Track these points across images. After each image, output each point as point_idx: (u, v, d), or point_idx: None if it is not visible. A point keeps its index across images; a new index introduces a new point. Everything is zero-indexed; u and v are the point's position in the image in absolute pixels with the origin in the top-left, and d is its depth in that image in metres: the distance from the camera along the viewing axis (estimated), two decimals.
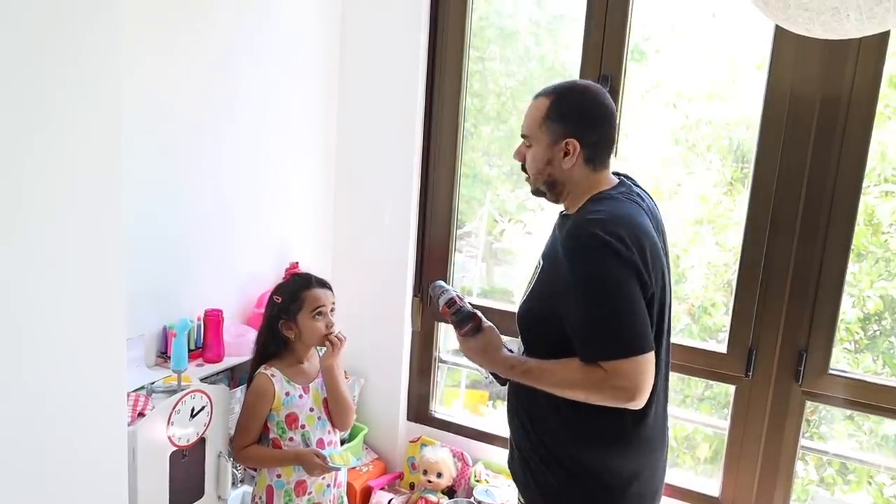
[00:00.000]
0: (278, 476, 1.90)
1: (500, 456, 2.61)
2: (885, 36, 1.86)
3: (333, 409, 1.91)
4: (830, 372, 2.06)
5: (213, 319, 2.07)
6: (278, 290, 1.93)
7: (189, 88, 2.05)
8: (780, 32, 1.99)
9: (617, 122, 1.48)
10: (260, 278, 2.38)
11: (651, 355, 1.35)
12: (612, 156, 1.50)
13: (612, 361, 1.33)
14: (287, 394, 1.88)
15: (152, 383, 1.82)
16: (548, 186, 1.51)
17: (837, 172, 1.98)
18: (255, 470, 1.98)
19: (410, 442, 2.72)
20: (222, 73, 2.15)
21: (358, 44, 2.59)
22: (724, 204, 2.89)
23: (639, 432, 1.46)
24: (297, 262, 1.92)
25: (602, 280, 1.34)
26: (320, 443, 1.91)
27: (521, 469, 1.59)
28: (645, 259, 1.36)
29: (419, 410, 2.78)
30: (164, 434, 1.68)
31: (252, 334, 2.19)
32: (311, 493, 1.91)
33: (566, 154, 1.45)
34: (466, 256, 3.49)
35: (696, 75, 2.80)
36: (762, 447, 2.17)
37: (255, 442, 1.90)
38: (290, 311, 1.87)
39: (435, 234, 2.63)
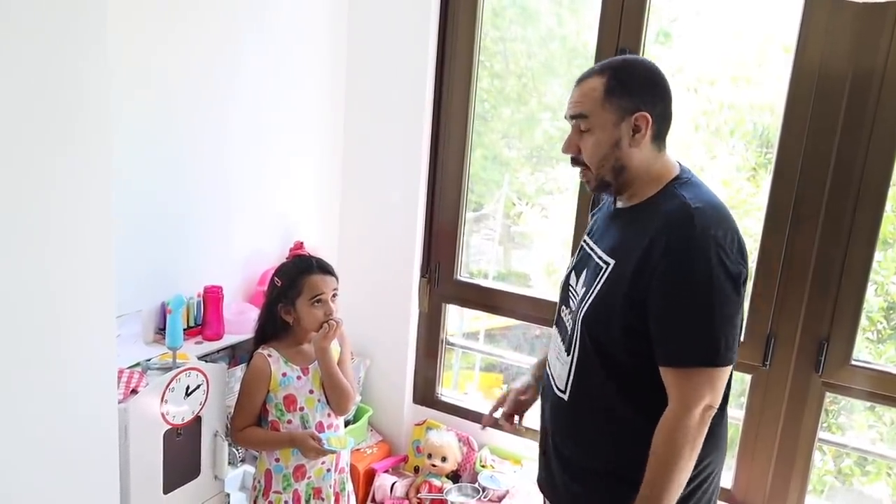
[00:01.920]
0: (277, 460, 1.85)
1: (507, 441, 2.56)
2: None
3: (329, 392, 1.85)
4: (853, 363, 1.97)
5: (212, 296, 2.02)
6: (279, 271, 1.87)
7: (191, 61, 1.99)
8: (809, 5, 1.88)
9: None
10: (263, 256, 2.33)
11: (730, 369, 1.29)
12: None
13: (705, 368, 1.24)
14: (284, 374, 1.83)
15: (148, 360, 1.78)
16: (614, 174, 1.33)
17: (867, 156, 1.87)
18: (258, 451, 1.94)
19: (416, 425, 2.67)
20: (226, 46, 2.09)
21: (367, 18, 2.50)
22: (746, 189, 2.80)
23: (718, 429, 1.38)
24: (301, 242, 1.84)
25: (710, 282, 1.22)
26: (319, 426, 1.85)
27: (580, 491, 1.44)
28: (744, 258, 1.28)
29: (425, 393, 2.72)
30: (157, 412, 1.63)
31: (253, 312, 2.14)
32: (310, 477, 1.87)
33: (636, 131, 1.29)
34: (483, 239, 3.42)
35: (721, 58, 2.69)
36: (778, 438, 2.09)
37: (253, 423, 1.85)
38: (289, 296, 1.81)
39: (444, 214, 2.56)
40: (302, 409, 1.84)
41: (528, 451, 2.50)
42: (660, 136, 1.34)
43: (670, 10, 2.46)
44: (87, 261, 1.33)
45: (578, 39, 2.89)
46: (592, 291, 1.36)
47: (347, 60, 2.55)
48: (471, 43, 2.40)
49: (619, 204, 1.42)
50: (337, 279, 1.86)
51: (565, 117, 1.38)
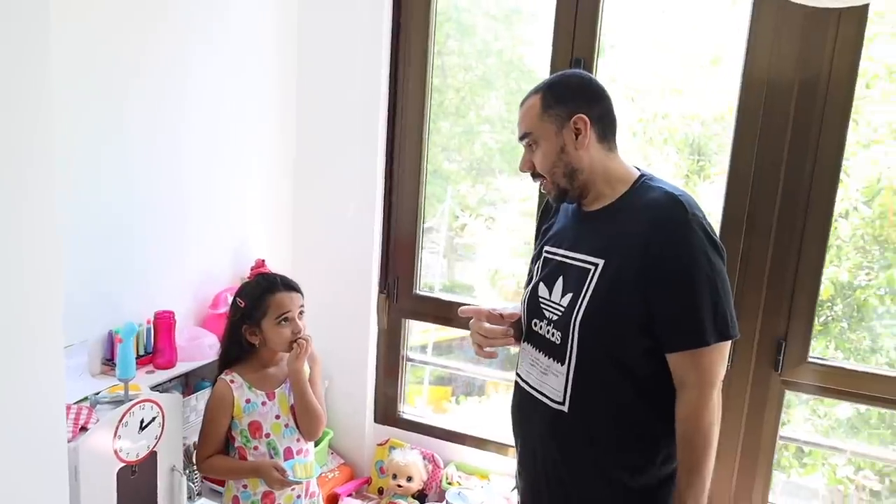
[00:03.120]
0: (244, 487, 1.76)
1: (473, 456, 2.52)
2: (863, 16, 1.83)
3: (299, 416, 1.77)
4: (809, 360, 2.03)
5: (163, 322, 1.91)
6: (242, 292, 1.78)
7: (140, 76, 1.90)
8: (756, 18, 1.93)
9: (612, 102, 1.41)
10: (215, 277, 2.23)
11: None
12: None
13: (721, 343, 1.28)
14: (248, 401, 1.74)
15: (97, 393, 1.66)
16: (568, 179, 1.38)
17: (816, 161, 1.93)
18: (223, 483, 1.84)
19: (378, 445, 2.60)
20: (176, 61, 2.00)
21: (318, 30, 2.45)
22: None
23: None
24: (263, 260, 1.76)
25: (709, 260, 1.27)
26: (288, 452, 1.77)
27: None
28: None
29: (387, 412, 2.66)
30: (109, 449, 1.52)
31: (208, 337, 2.05)
32: None
33: (578, 134, 1.35)
34: (428, 252, 3.40)
35: (657, 69, 2.77)
36: (742, 437, 2.13)
37: (218, 451, 1.75)
38: (254, 317, 1.72)
39: (401, 228, 2.52)
40: (268, 435, 1.75)
41: (496, 465, 2.47)
42: (606, 137, 1.39)
43: (614, 23, 2.50)
44: (34, 286, 1.23)
45: (514, 53, 2.92)
46: (584, 296, 1.34)
47: (298, 75, 2.49)
48: (424, 55, 2.38)
49: (588, 208, 1.42)
50: (303, 296, 1.79)
51: (519, 141, 1.44)
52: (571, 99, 1.36)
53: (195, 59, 2.06)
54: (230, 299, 2.15)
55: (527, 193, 3.13)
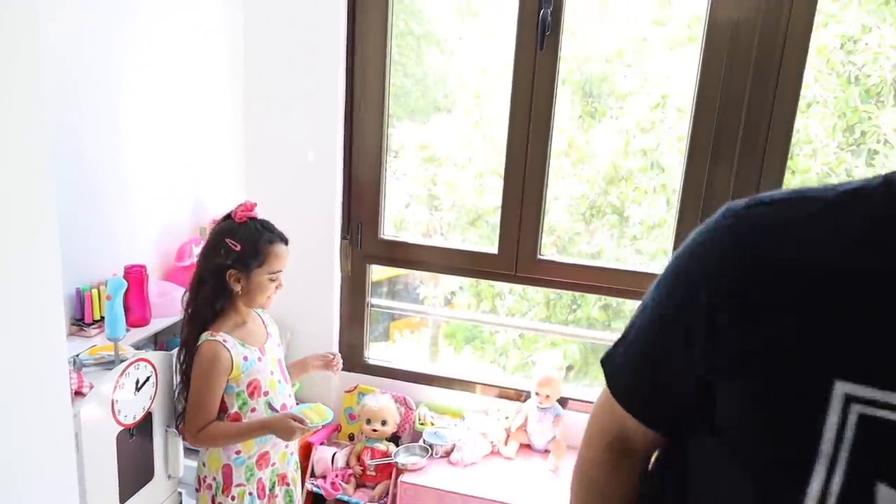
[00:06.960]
0: (238, 452, 1.67)
1: (442, 396, 2.55)
2: None
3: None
4: None
5: (135, 277, 1.78)
6: (237, 235, 1.62)
7: (85, 35, 1.72)
8: None
9: None
10: (175, 229, 2.10)
11: None
12: None
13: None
14: (245, 358, 1.64)
15: (76, 356, 1.54)
16: None
17: (775, 98, 2.03)
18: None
19: (346, 392, 2.58)
20: (122, 18, 1.83)
21: None
22: (579, 137, 2.96)
23: None
24: (254, 203, 1.63)
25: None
26: (283, 408, 1.71)
27: None
28: None
29: (353, 358, 2.63)
30: (108, 413, 1.42)
31: (178, 292, 1.93)
32: (274, 463, 1.73)
33: None
34: None
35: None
36: None
37: (213, 420, 1.63)
38: (247, 264, 1.61)
39: (363, 171, 2.44)
40: (266, 393, 1.67)
41: (467, 403, 2.51)
42: None
43: None
44: (32, 249, 1.10)
45: None
46: None
47: (245, 17, 2.32)
48: None
49: None
50: None
51: None
52: None
53: (141, 13, 1.90)
54: (195, 251, 2.04)
55: (425, 141, 3.08)
